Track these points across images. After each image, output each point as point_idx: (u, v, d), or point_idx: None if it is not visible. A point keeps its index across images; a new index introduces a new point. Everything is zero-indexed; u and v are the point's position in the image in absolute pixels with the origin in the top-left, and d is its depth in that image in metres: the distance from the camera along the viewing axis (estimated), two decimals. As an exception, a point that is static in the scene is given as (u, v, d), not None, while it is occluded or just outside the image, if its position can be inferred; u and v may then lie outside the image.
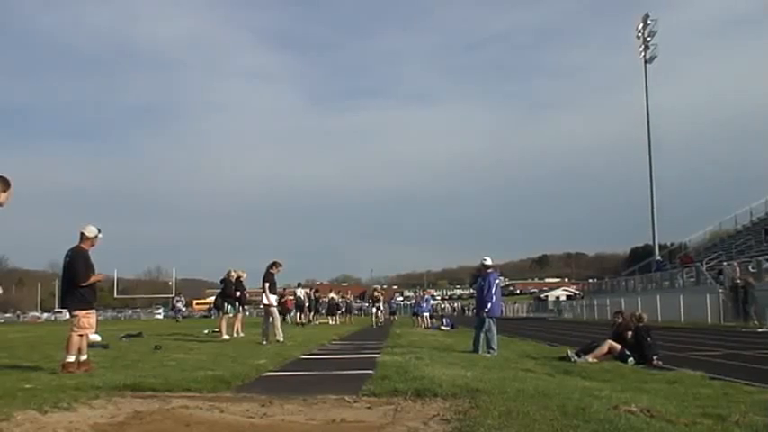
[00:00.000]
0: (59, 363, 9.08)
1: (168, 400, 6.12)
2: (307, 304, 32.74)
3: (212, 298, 47.79)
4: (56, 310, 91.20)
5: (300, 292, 33.20)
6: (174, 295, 55.45)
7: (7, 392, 6.08)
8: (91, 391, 6.37)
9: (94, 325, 9.38)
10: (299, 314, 31.92)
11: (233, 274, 19.34)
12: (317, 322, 32.58)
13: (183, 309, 53.57)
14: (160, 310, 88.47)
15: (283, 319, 22.25)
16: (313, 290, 37.61)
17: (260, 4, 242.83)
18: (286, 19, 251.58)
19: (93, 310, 9.24)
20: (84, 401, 5.75)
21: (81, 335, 8.93)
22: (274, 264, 16.68)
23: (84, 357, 9.02)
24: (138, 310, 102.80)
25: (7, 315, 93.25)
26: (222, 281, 19.71)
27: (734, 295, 27.08)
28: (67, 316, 9.67)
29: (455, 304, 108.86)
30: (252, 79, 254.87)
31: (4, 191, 6.69)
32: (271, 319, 16.17)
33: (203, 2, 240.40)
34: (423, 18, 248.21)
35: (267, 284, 16.29)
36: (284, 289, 31.26)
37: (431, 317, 32.32)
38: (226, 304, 19.05)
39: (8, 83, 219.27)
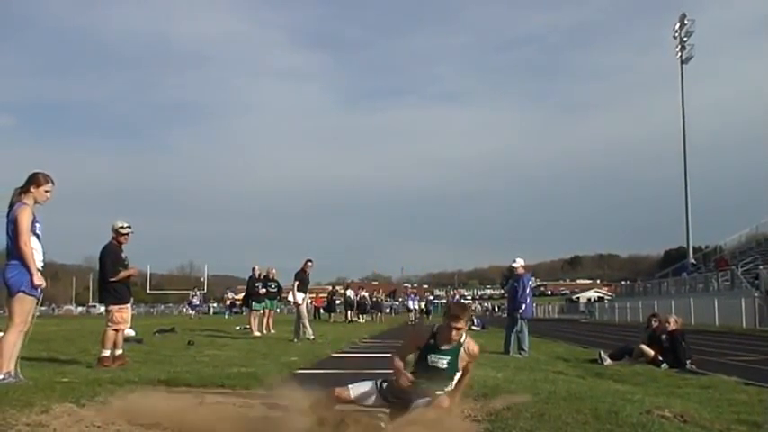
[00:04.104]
0: (95, 357, 9.24)
1: (202, 395, 6.18)
2: (338, 302, 33.76)
3: (240, 295, 48.19)
4: (90, 303, 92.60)
5: (350, 293, 34.69)
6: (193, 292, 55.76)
7: (46, 385, 6.19)
8: (126, 385, 6.46)
9: (129, 320, 9.51)
10: (348, 312, 33.90)
11: (257, 271, 19.48)
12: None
13: (199, 304, 54.13)
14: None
15: (314, 318, 22.44)
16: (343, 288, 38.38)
17: (293, 3, 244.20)
18: (318, 18, 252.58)
19: (128, 306, 9.36)
20: (120, 395, 5.83)
21: (116, 329, 9.07)
22: (306, 262, 16.81)
23: (119, 352, 9.17)
24: (171, 305, 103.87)
25: (42, 308, 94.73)
26: (249, 278, 19.88)
27: (771, 300, 26.65)
28: (101, 310, 9.82)
29: (486, 304, 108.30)
30: (284, 78, 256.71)
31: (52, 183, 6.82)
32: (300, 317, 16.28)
33: (238, 1, 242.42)
34: (454, 18, 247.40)
35: (297, 282, 16.43)
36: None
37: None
38: (250, 301, 19.23)
39: (46, 80, 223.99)
